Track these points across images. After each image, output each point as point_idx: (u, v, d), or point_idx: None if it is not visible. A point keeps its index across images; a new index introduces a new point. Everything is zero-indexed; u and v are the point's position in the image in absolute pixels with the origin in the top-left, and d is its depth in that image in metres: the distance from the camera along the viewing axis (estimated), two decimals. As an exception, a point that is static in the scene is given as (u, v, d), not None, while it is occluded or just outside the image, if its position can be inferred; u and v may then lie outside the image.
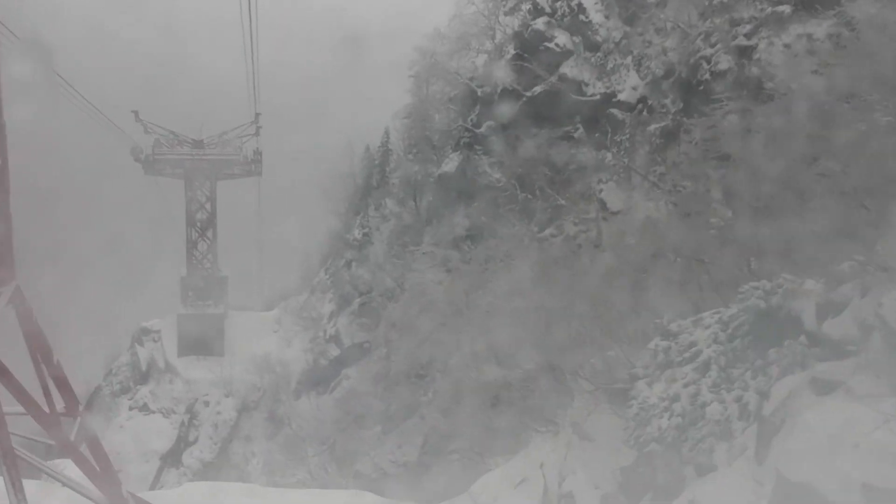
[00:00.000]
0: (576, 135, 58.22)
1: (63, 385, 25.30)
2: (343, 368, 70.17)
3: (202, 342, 77.45)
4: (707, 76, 53.12)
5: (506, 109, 60.21)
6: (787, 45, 46.64)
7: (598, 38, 59.23)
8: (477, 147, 62.07)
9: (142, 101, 79.20)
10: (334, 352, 71.05)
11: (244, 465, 73.05)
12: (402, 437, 60.85)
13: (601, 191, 55.58)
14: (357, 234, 72.04)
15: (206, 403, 75.86)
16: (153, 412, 76.76)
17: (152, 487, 73.25)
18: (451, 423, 56.02)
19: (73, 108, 65.42)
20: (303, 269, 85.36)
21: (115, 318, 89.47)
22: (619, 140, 55.54)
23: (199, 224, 78.98)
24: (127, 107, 74.32)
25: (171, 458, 74.81)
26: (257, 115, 76.73)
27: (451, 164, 63.21)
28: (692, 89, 53.87)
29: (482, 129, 62.17)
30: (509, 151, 59.32)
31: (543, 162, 56.52)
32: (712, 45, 53.51)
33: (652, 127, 54.59)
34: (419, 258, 64.67)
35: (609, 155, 56.00)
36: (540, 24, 59.61)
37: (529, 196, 56.86)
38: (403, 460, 60.02)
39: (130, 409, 77.92)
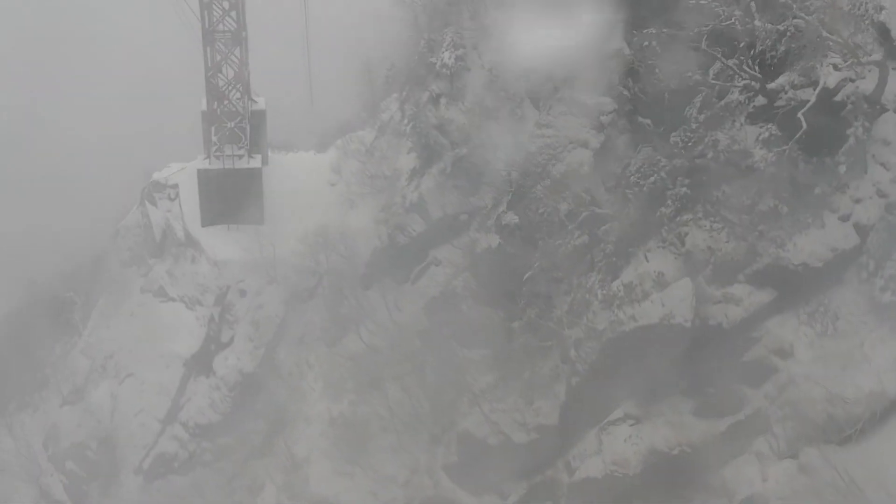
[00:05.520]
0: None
1: None
2: (430, 249, 51.36)
3: (233, 206, 57.70)
4: None
5: None
6: None
7: None
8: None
9: None
10: (417, 226, 51.82)
11: (297, 380, 54.27)
12: (534, 385, 41.33)
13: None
14: (447, 57, 51.00)
15: (243, 293, 56.44)
16: (172, 299, 57.99)
17: (175, 401, 56.28)
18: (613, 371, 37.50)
19: None
20: (366, 94, 64.44)
21: (124, 160, 69.80)
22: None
23: (222, 40, 57.51)
24: None
25: (199, 363, 56.24)
26: None
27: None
28: None
29: None
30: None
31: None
32: None
33: None
34: (549, 105, 43.83)
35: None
36: None
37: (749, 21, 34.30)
38: (536, 423, 40.25)
39: (143, 291, 59.78)
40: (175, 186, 60.33)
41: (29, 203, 77.98)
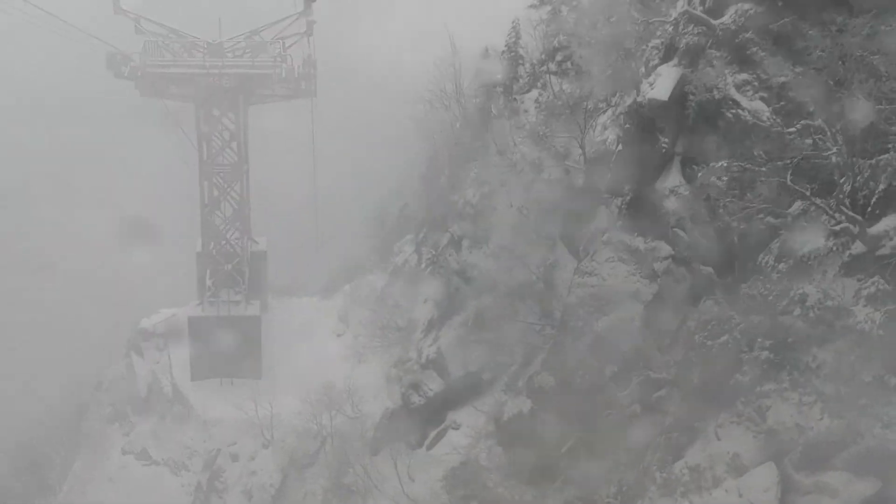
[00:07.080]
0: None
1: None
2: (449, 412, 48.52)
3: (228, 358, 54.76)
4: None
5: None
6: None
7: None
8: (713, 52, 34.70)
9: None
10: (435, 384, 49.40)
11: (294, 566, 50.23)
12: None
13: None
14: (470, 194, 49.04)
15: (235, 457, 53.86)
16: (156, 463, 55.31)
17: (153, 587, 51.90)
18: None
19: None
20: (377, 235, 62.92)
21: (111, 306, 67.66)
22: None
23: (220, 174, 55.70)
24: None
25: (183, 540, 53.17)
26: (309, 2, 52.40)
27: (661, 83, 36.11)
28: None
29: (726, 20, 34.34)
30: (788, 59, 32.30)
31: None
32: None
33: None
34: (594, 249, 38.70)
35: None
36: None
37: (844, 154, 29.45)
38: None
39: (124, 452, 57.82)
40: (164, 335, 59.00)
41: (15, 349, 74.02)
